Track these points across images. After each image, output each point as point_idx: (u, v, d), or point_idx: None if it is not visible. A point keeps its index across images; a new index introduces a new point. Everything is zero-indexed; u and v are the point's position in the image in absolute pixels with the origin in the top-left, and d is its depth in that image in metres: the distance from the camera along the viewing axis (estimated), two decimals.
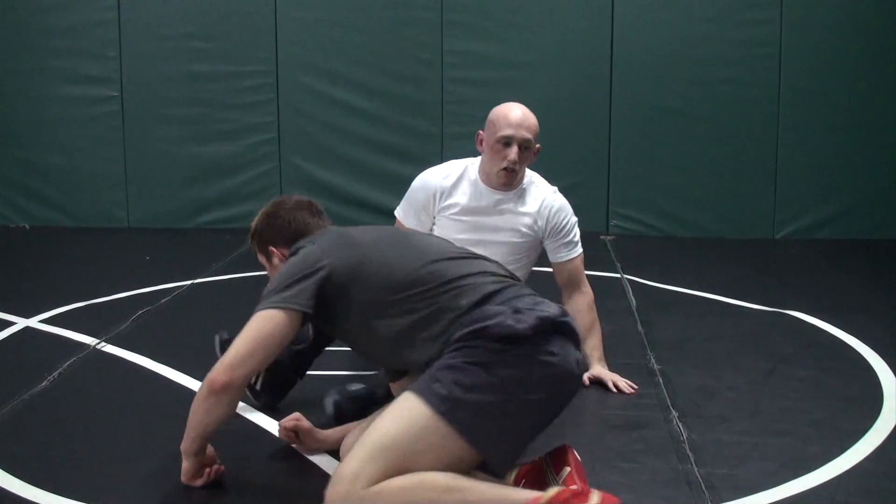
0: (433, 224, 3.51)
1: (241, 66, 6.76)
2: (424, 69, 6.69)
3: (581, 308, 3.46)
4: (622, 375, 3.42)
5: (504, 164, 3.34)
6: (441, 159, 3.78)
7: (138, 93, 6.80)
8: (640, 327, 4.16)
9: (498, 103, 3.50)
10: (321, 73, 6.76)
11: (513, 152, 3.32)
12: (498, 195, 3.43)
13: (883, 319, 4.37)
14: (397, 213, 3.61)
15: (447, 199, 3.46)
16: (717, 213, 6.66)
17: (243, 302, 4.74)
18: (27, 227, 6.91)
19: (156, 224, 6.87)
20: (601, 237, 6.47)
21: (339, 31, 6.71)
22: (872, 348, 3.86)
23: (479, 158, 3.51)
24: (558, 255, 3.51)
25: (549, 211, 3.47)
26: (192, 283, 5.03)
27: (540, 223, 3.47)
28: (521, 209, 3.45)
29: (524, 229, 3.46)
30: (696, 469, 2.68)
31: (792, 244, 6.41)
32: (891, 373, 3.55)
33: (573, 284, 3.52)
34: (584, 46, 6.60)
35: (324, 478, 2.63)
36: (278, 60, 6.75)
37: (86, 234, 6.65)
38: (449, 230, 3.43)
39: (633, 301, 4.62)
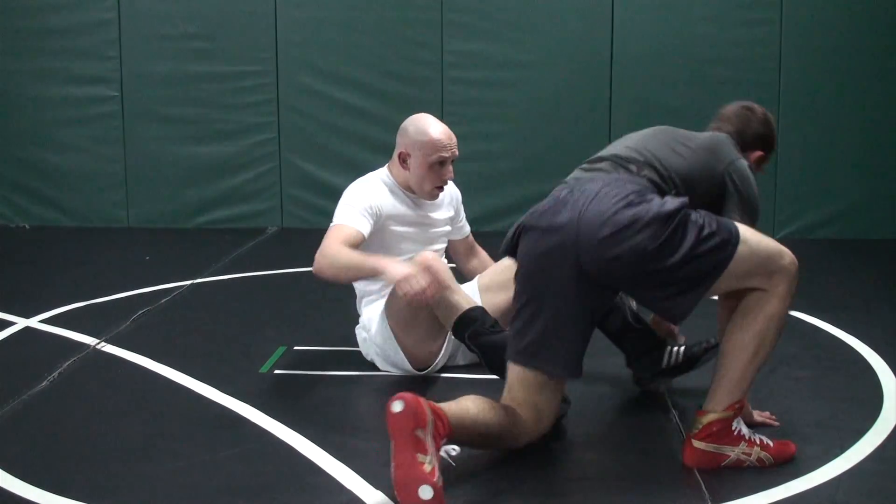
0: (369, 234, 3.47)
1: (241, 66, 6.76)
2: (424, 69, 6.69)
3: (486, 258, 3.89)
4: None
5: (440, 183, 3.51)
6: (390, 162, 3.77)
7: (138, 93, 6.80)
8: None
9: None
10: (321, 73, 6.76)
11: (449, 171, 3.50)
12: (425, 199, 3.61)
13: (883, 319, 4.37)
14: (355, 224, 3.39)
15: (388, 211, 3.52)
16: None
17: (243, 302, 4.77)
18: (27, 227, 6.91)
19: (156, 224, 6.87)
20: None
21: (339, 31, 6.71)
22: (872, 348, 3.86)
23: (383, 171, 3.64)
24: (463, 231, 3.86)
25: (456, 194, 3.79)
26: (192, 283, 5.03)
27: (453, 205, 3.77)
28: (439, 202, 3.67)
29: (448, 214, 3.71)
30: (695, 469, 2.68)
31: (792, 244, 6.38)
32: (891, 373, 3.55)
33: (473, 248, 3.91)
34: (584, 46, 6.60)
35: (324, 477, 2.64)
36: (278, 60, 6.75)
37: (86, 234, 6.65)
38: (392, 240, 3.53)
39: (634, 301, 4.60)
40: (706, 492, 2.54)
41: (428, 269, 3.10)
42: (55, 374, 3.50)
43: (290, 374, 3.54)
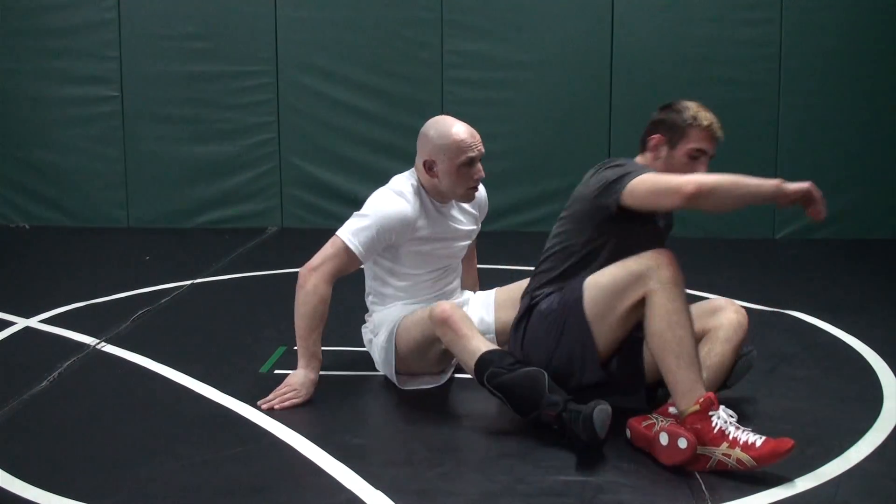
0: (385, 253, 3.36)
1: (241, 66, 6.76)
2: (424, 69, 6.69)
3: (473, 265, 3.82)
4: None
5: (473, 184, 3.32)
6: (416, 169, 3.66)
7: (138, 93, 6.80)
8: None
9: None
10: (321, 73, 6.76)
11: (480, 170, 3.31)
12: (451, 208, 3.43)
13: (883, 319, 4.37)
14: (354, 245, 3.23)
15: (417, 231, 3.31)
16: (716, 213, 6.65)
17: (243, 302, 4.77)
18: (27, 226, 6.91)
19: (156, 224, 6.87)
20: None
21: (339, 31, 6.71)
22: (872, 348, 3.86)
23: (412, 180, 3.37)
24: (475, 234, 3.66)
25: (483, 199, 3.58)
26: (192, 283, 5.03)
27: (480, 213, 3.59)
28: (468, 208, 3.51)
29: (473, 226, 3.56)
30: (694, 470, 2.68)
31: (792, 244, 6.41)
32: (891, 373, 3.56)
33: (472, 251, 3.77)
34: (584, 46, 6.60)
35: (324, 477, 2.64)
36: (278, 60, 6.76)
37: (86, 234, 6.66)
38: (416, 259, 3.36)
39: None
40: (706, 492, 2.54)
41: (443, 322, 3.08)
42: (55, 374, 3.50)
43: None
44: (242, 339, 4.02)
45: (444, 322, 3.08)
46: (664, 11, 6.54)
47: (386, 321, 3.39)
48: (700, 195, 2.76)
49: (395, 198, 3.29)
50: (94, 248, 6.27)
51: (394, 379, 3.37)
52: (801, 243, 6.41)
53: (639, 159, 3.15)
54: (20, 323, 4.23)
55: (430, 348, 3.25)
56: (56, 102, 6.82)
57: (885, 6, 6.43)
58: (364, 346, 3.61)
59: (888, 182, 6.55)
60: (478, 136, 3.31)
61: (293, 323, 3.28)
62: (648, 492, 2.56)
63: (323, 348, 3.30)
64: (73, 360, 3.67)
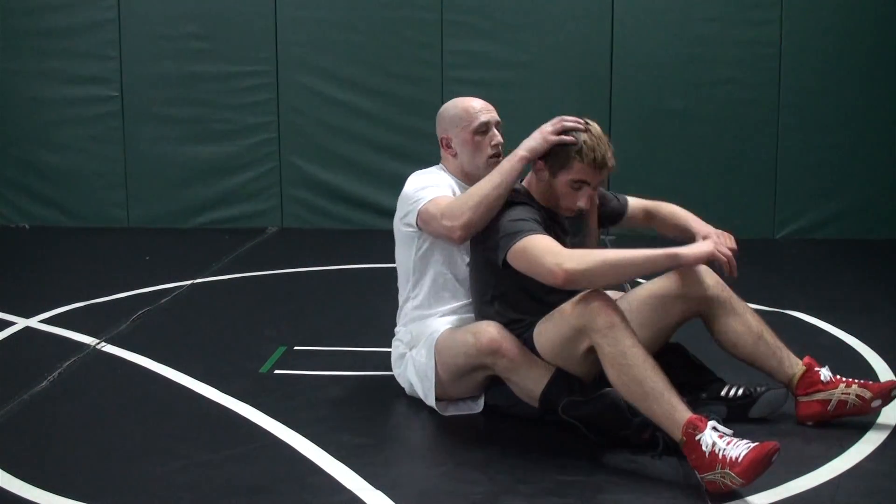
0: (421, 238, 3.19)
1: (241, 66, 6.76)
2: (424, 69, 6.69)
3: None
4: None
5: (492, 151, 3.20)
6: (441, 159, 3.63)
7: (138, 93, 6.80)
8: None
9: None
10: (321, 73, 6.76)
11: (496, 135, 3.23)
12: None
13: (883, 319, 4.37)
14: (440, 196, 3.11)
15: None
16: (717, 213, 6.62)
17: (243, 302, 4.77)
18: (27, 227, 6.91)
19: (156, 224, 6.87)
20: (601, 237, 6.47)
21: (339, 31, 6.71)
22: (872, 348, 3.86)
23: (437, 168, 3.31)
24: None
25: None
26: (192, 283, 5.03)
27: None
28: None
29: None
30: (695, 470, 2.67)
31: (792, 244, 6.41)
32: (891, 373, 3.55)
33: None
34: (584, 46, 6.60)
35: (325, 477, 2.64)
36: (278, 60, 6.75)
37: (86, 234, 6.65)
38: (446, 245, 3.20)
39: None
40: (706, 492, 2.53)
41: (494, 352, 2.91)
42: (55, 374, 3.50)
43: (290, 374, 3.54)
44: (242, 339, 4.02)
45: (495, 351, 2.91)
46: (664, 11, 6.54)
47: (425, 334, 3.16)
48: (572, 282, 2.74)
49: (423, 172, 3.28)
50: (94, 248, 6.26)
51: (430, 402, 3.13)
52: (801, 243, 6.40)
53: (527, 179, 3.09)
54: (20, 323, 4.23)
55: (474, 375, 3.04)
56: (56, 102, 6.82)
57: (885, 6, 6.43)
58: (364, 347, 3.61)
59: (888, 182, 6.55)
60: (490, 106, 3.26)
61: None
62: (648, 492, 2.56)
63: (323, 348, 3.30)
64: (73, 360, 3.67)
